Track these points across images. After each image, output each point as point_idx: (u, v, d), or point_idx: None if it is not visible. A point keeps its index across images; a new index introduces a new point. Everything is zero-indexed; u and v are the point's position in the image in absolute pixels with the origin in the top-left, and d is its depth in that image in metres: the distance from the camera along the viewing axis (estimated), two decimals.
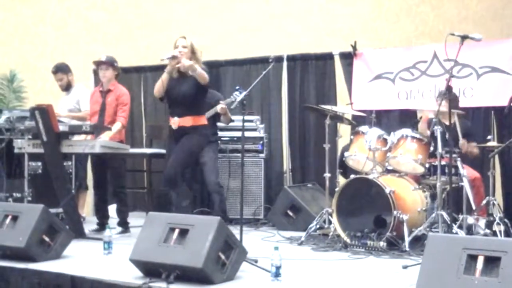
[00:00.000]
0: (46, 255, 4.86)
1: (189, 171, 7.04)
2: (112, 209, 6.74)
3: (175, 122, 5.69)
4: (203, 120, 5.78)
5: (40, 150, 6.01)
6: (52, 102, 6.20)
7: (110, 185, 6.55)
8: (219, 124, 7.11)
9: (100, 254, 5.12)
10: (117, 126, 6.28)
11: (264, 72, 5.88)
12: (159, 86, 5.73)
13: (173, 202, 5.85)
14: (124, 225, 6.38)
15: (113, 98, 6.38)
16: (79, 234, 5.84)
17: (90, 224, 6.59)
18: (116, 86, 6.45)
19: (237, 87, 6.14)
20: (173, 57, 5.62)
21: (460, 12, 7.44)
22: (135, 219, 6.43)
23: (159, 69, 8.59)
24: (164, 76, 5.70)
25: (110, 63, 6.41)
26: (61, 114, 6.96)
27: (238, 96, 5.62)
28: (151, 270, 4.18)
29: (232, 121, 7.01)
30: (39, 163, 6.87)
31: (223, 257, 4.13)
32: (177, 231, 4.23)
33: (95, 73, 8.20)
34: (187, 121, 5.66)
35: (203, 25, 8.68)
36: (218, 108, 6.71)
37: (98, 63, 6.47)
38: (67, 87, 7.35)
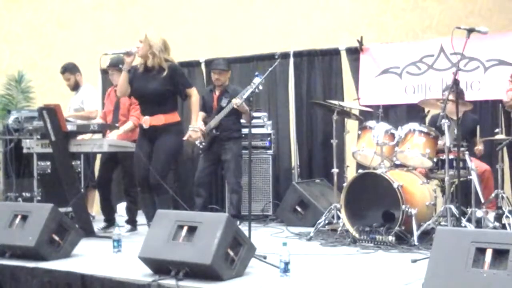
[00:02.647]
0: (56, 254, 4.88)
1: (211, 170, 6.97)
2: (121, 207, 6.76)
3: (146, 121, 5.59)
4: (176, 117, 5.67)
5: (49, 150, 6.04)
6: (60, 102, 6.21)
7: (122, 183, 6.57)
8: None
9: (109, 252, 5.14)
10: (128, 125, 6.29)
11: (270, 69, 5.88)
12: (121, 86, 5.67)
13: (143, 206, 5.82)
14: (132, 223, 6.40)
15: (126, 97, 6.38)
16: (89, 232, 5.87)
17: (99, 222, 6.61)
18: None
19: (257, 73, 6.09)
20: (127, 53, 5.55)
21: (466, 5, 7.41)
22: (144, 217, 6.44)
23: None
24: (123, 75, 5.62)
25: (114, 67, 6.41)
26: (66, 114, 6.98)
27: (257, 82, 5.53)
28: (160, 267, 4.20)
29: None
30: (48, 163, 6.91)
31: (231, 253, 4.13)
32: (185, 228, 4.24)
33: (103, 72, 8.24)
34: (159, 119, 5.57)
35: (210, 23, 8.69)
36: (233, 103, 6.61)
37: (105, 71, 6.50)
38: (75, 87, 7.37)
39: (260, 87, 5.36)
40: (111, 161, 6.42)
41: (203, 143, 6.69)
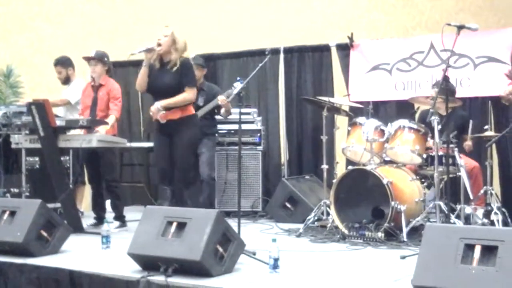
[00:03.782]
0: (44, 250, 4.86)
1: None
2: (107, 203, 6.74)
3: (162, 116, 5.60)
4: (191, 110, 5.71)
5: (37, 145, 6.00)
6: (49, 97, 6.19)
7: (102, 179, 6.55)
8: (217, 117, 7.10)
9: (98, 249, 5.12)
10: (111, 119, 6.29)
11: (260, 65, 5.87)
12: (140, 80, 5.70)
13: (169, 197, 5.88)
14: (120, 218, 6.38)
15: (104, 92, 6.39)
16: (77, 228, 5.84)
17: (88, 218, 6.59)
18: (107, 80, 6.46)
19: (238, 78, 6.11)
20: (149, 50, 5.59)
21: (457, 2, 7.43)
22: (133, 213, 6.43)
23: None
24: (143, 70, 5.65)
25: (99, 58, 6.41)
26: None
27: (238, 87, 5.57)
28: (149, 263, 4.19)
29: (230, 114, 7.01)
30: (37, 158, 6.87)
31: (221, 249, 4.13)
32: (174, 224, 4.24)
33: None
34: (175, 113, 5.59)
35: (200, 18, 8.67)
36: (219, 99, 6.65)
37: (88, 59, 6.48)
38: (65, 81, 7.40)
39: (242, 93, 5.39)
40: (92, 156, 6.39)
41: None
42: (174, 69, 5.57)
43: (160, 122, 5.62)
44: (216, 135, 7.21)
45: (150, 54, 5.61)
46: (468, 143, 6.16)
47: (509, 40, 6.54)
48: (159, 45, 5.58)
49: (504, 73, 4.96)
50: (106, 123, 6.16)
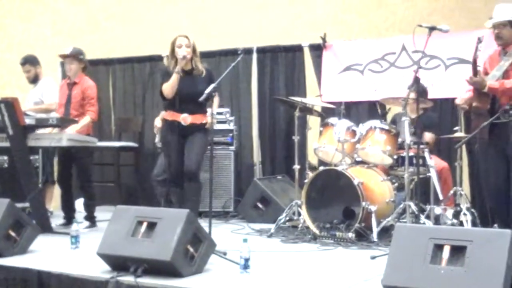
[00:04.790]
0: (12, 250, 4.80)
1: None
2: (79, 203, 6.68)
3: (185, 118, 5.74)
4: (207, 117, 5.89)
5: (6, 144, 5.92)
6: (18, 96, 6.12)
7: (77, 179, 6.49)
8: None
9: (67, 249, 5.07)
10: (85, 120, 6.24)
11: (233, 64, 5.86)
12: (171, 88, 5.74)
13: (176, 200, 5.92)
14: (91, 219, 6.33)
15: (78, 91, 6.33)
16: (46, 228, 5.77)
17: (57, 218, 6.52)
18: (82, 78, 6.40)
19: None
20: (184, 58, 5.73)
21: (430, 4, 7.46)
22: (103, 213, 6.37)
23: (127, 61, 8.57)
24: (175, 77, 5.73)
25: (74, 56, 6.36)
26: (25, 108, 6.86)
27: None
28: (119, 264, 4.15)
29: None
30: (5, 157, 6.79)
31: (191, 250, 4.11)
32: (145, 224, 4.21)
33: (63, 65, 8.12)
34: (199, 118, 5.78)
35: (172, 17, 8.62)
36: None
37: (63, 57, 6.43)
38: (34, 80, 7.31)
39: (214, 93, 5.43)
40: (66, 157, 6.34)
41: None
42: (203, 76, 5.82)
43: (177, 126, 5.75)
44: None
45: (183, 62, 5.74)
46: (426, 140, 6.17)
47: None
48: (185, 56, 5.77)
49: (465, 79, 5.02)
50: (76, 122, 6.11)
